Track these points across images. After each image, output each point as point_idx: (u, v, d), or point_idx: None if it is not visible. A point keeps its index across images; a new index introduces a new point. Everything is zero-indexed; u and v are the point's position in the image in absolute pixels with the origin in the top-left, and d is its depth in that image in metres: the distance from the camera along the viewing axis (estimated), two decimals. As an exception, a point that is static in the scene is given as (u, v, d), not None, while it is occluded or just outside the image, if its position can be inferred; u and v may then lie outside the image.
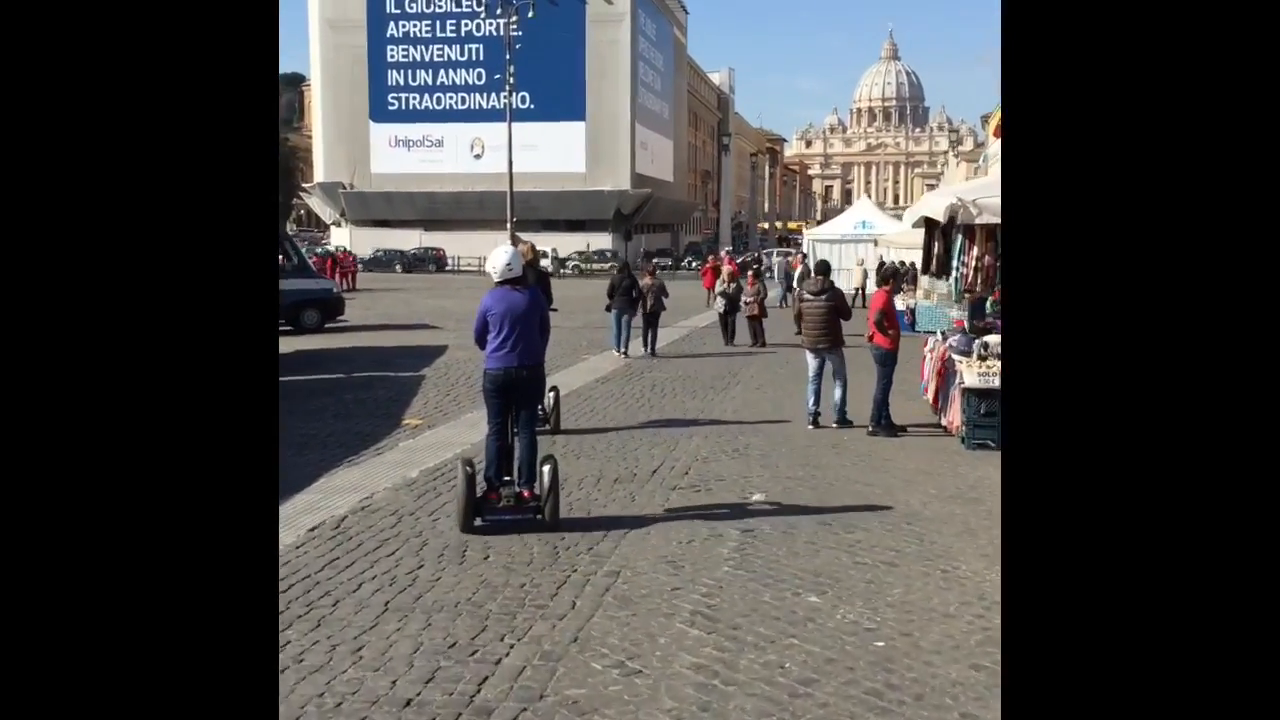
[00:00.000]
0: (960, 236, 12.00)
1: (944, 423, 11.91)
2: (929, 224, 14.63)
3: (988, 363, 10.92)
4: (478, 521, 7.53)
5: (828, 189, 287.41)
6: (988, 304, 13.65)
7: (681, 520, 7.96)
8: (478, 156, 69.15)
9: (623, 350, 19.16)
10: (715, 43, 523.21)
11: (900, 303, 26.73)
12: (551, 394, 11.53)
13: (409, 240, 66.49)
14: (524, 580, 6.54)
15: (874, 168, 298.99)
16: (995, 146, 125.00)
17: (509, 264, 7.67)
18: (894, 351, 11.94)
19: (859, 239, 44.11)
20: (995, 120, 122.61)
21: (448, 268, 62.23)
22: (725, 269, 23.36)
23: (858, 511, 8.25)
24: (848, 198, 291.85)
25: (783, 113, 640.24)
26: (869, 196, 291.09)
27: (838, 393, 12.17)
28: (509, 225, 58.66)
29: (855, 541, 7.41)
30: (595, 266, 59.21)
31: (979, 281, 11.69)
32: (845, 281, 42.42)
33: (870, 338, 11.95)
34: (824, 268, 12.98)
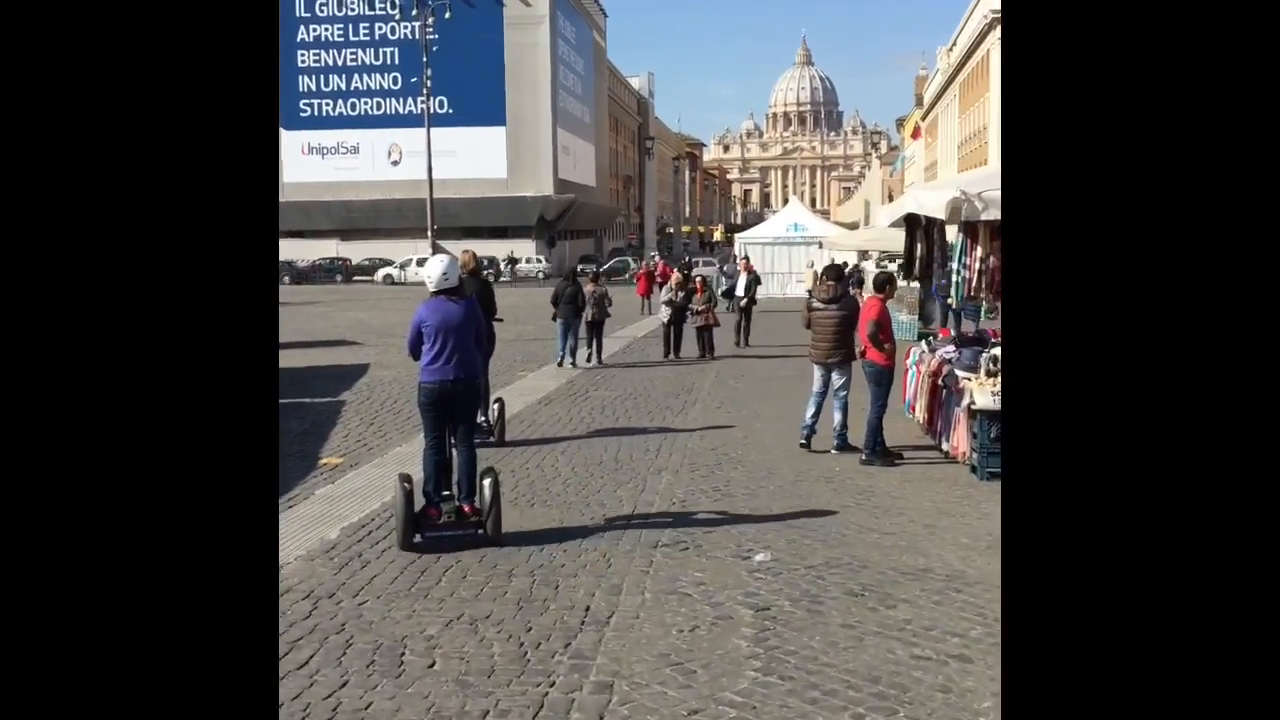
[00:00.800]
0: (962, 235, 10.55)
1: (945, 448, 10.42)
2: (910, 223, 13.19)
3: (999, 380, 9.45)
4: (417, 538, 7.25)
5: (746, 193, 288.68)
6: (982, 310, 12.20)
7: (676, 595, 6.32)
8: (395, 163, 66.98)
9: (569, 361, 18.30)
10: (633, 48, 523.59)
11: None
12: (496, 405, 11.36)
13: (324, 251, 63.96)
14: (486, 707, 4.85)
15: (791, 171, 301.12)
16: (911, 149, 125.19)
17: (445, 273, 7.42)
18: (890, 368, 10.44)
19: (792, 242, 43.04)
20: (911, 123, 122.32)
21: (356, 278, 59.35)
22: (673, 277, 21.46)
23: (889, 575, 6.67)
24: (766, 201, 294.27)
25: (700, 118, 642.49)
26: (787, 200, 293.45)
27: (839, 415, 10.65)
28: (429, 233, 56.67)
29: (903, 622, 5.83)
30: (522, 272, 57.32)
31: (984, 286, 10.26)
32: (785, 286, 41.54)
33: (863, 353, 10.40)
34: (836, 272, 11.43)
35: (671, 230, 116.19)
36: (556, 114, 70.40)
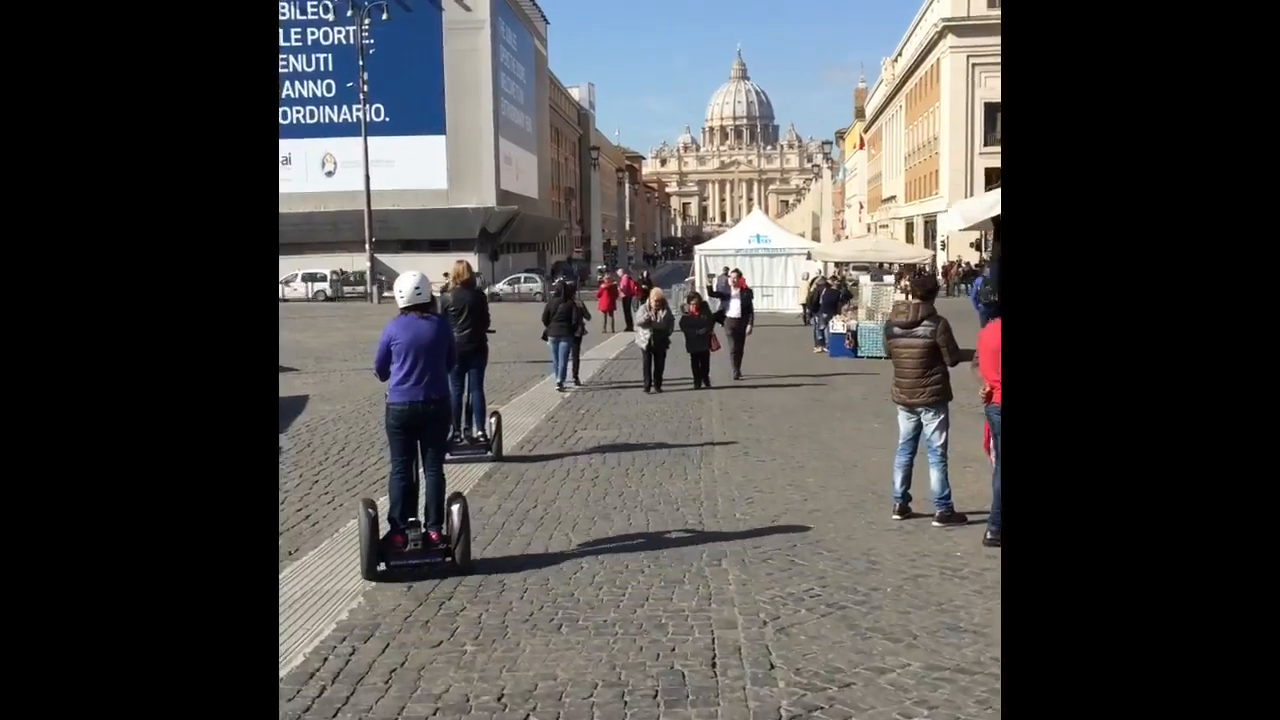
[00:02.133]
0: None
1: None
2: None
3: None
4: (381, 567, 6.90)
5: (685, 206, 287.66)
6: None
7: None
8: (329, 174, 63.69)
9: (565, 381, 16.89)
10: (571, 60, 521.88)
11: (839, 324, 23.20)
12: (493, 419, 11.09)
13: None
14: None
15: (728, 185, 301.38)
16: (854, 159, 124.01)
17: (417, 289, 7.26)
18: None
19: (754, 253, 40.74)
20: (854, 135, 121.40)
21: (289, 296, 55.70)
22: (653, 294, 17.67)
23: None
24: (704, 214, 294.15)
25: (637, 132, 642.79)
26: (724, 214, 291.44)
27: (937, 474, 8.13)
28: (367, 246, 53.72)
29: None
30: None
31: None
32: (770, 301, 39.15)
33: (988, 395, 7.79)
34: (925, 286, 8.94)
35: (616, 245, 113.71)
36: (499, 123, 67.60)
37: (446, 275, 11.46)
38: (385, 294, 52.39)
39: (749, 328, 18.79)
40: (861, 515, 8.43)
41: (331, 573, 7.04)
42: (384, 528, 7.04)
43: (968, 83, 71.53)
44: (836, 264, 32.31)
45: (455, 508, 7.03)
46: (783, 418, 13.96)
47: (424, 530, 7.14)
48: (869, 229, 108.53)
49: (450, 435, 9.88)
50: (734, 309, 18.64)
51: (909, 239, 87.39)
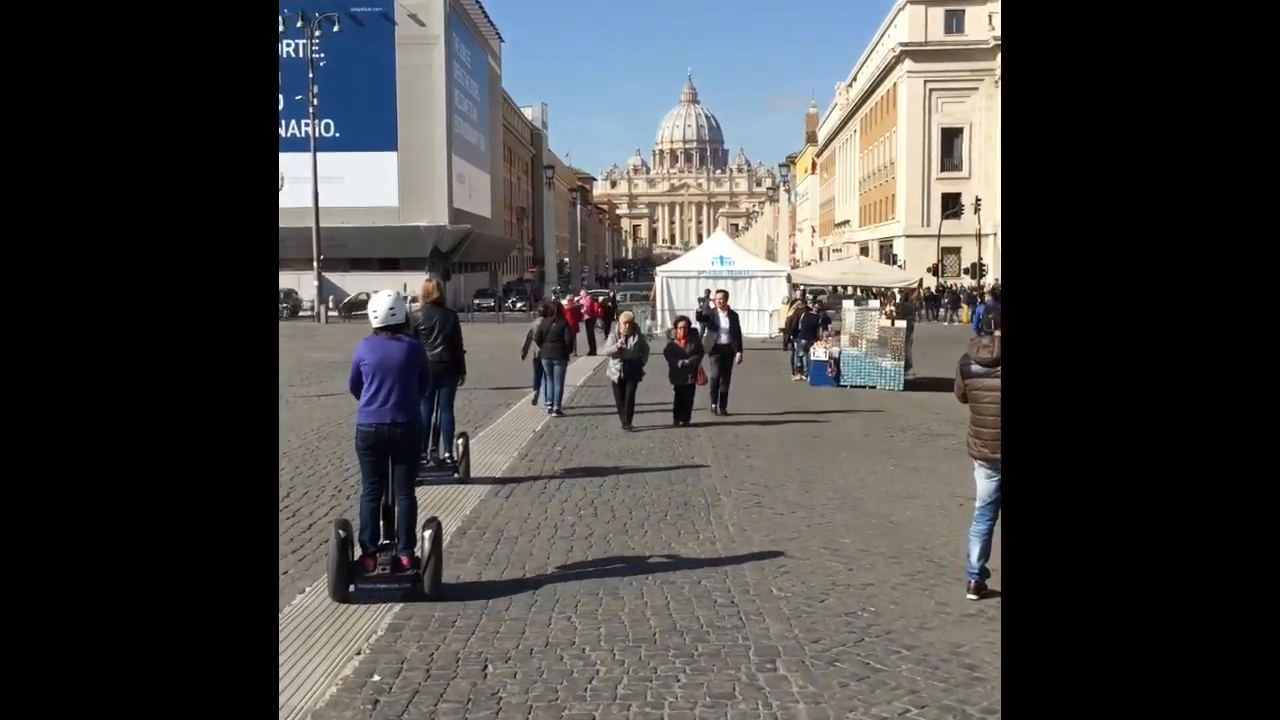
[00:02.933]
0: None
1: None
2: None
3: None
4: (351, 589, 6.76)
5: (635, 228, 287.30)
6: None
7: None
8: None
9: (554, 407, 16.18)
10: (524, 79, 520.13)
11: (822, 351, 21.87)
12: (460, 440, 11.05)
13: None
14: None
15: (678, 208, 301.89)
16: (805, 184, 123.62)
17: (391, 309, 7.13)
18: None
19: (718, 276, 39.44)
20: (806, 159, 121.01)
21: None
22: (622, 318, 15.64)
23: None
24: (654, 236, 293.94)
25: (587, 154, 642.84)
26: (673, 237, 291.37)
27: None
28: (315, 264, 51.80)
29: None
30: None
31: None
32: (749, 324, 37.85)
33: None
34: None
35: (569, 266, 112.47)
36: (452, 140, 66.04)
37: (413, 299, 10.76)
38: (331, 313, 50.81)
39: (739, 356, 16.74)
40: (927, 593, 6.99)
41: (307, 660, 5.50)
42: (357, 551, 6.95)
43: (924, 108, 71.12)
44: (807, 290, 31.10)
45: (428, 532, 6.88)
46: (784, 457, 12.53)
47: (395, 554, 7.01)
48: (820, 254, 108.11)
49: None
50: (723, 335, 16.57)
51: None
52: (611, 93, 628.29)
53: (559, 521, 9.11)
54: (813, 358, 21.51)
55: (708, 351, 16.03)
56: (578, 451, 12.75)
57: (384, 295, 7.22)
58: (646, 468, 11.68)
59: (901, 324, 20.84)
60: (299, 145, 53.64)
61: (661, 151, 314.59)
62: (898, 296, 28.73)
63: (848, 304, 22.24)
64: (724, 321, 16.99)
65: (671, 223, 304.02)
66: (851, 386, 20.83)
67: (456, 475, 10.63)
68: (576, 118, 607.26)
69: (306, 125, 52.59)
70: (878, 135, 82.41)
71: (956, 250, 66.64)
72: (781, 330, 25.31)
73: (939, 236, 64.69)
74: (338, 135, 60.53)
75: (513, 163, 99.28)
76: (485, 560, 7.84)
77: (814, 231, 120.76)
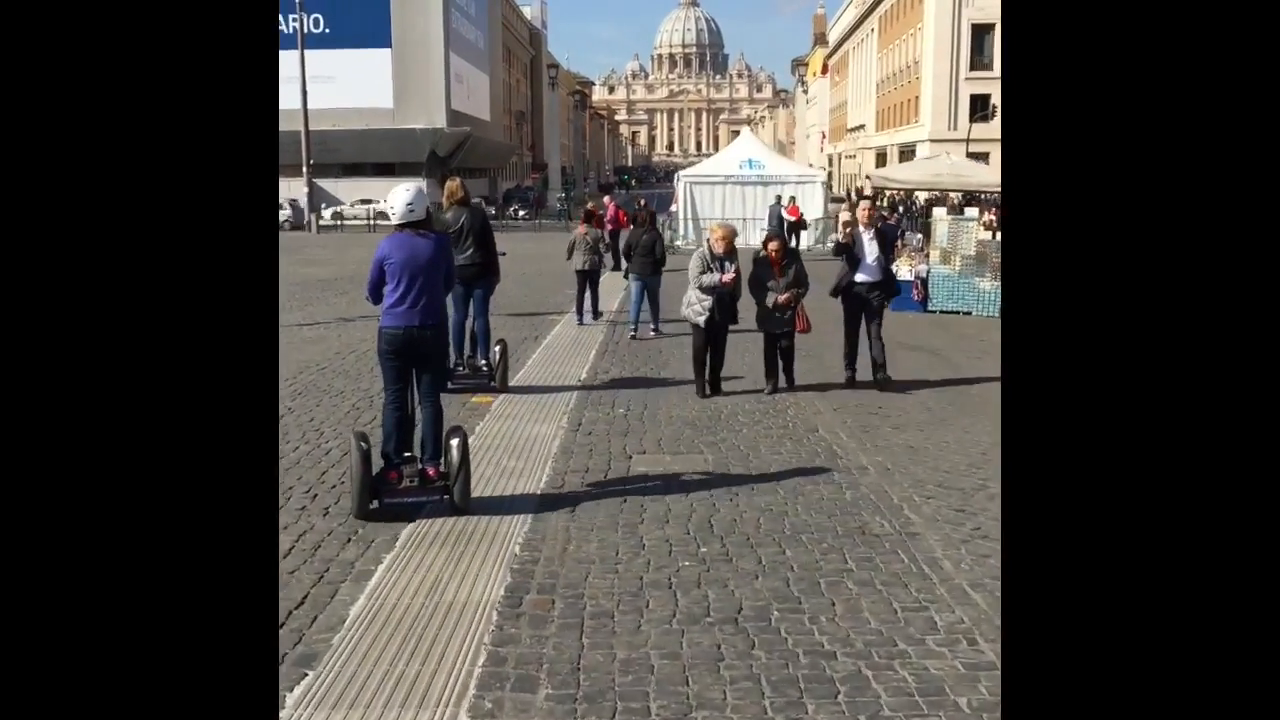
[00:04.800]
0: None
1: None
2: None
3: None
4: (374, 505, 6.47)
5: (634, 135, 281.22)
6: None
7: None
8: (261, 89, 57.58)
9: (652, 330, 14.51)
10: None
11: (906, 269, 18.53)
12: (498, 347, 10.65)
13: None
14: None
15: (677, 114, 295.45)
16: (814, 87, 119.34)
17: (410, 204, 6.64)
18: None
19: (746, 181, 35.98)
20: (818, 61, 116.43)
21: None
22: (715, 234, 10.39)
23: None
24: (653, 144, 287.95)
25: (585, 59, 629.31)
26: (672, 145, 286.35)
27: None
28: (304, 170, 48.01)
29: None
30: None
31: None
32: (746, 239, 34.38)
33: None
34: None
35: (572, 170, 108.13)
36: (449, 37, 61.73)
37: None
38: (323, 223, 47.27)
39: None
40: None
41: None
42: (377, 464, 6.64)
43: (954, 1, 66.71)
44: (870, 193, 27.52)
45: (454, 442, 6.56)
46: (944, 427, 9.30)
47: (420, 466, 6.72)
48: (829, 160, 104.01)
49: (452, 363, 9.93)
50: (868, 269, 10.80)
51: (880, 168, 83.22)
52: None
53: (652, 557, 5.98)
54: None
55: (837, 284, 10.91)
56: (652, 425, 9.37)
57: (402, 189, 6.72)
58: (758, 449, 8.45)
59: (1003, 235, 17.51)
60: (286, 42, 49.39)
61: (660, 56, 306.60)
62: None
63: (939, 212, 18.74)
64: (869, 249, 10.81)
65: (670, 129, 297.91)
66: (941, 312, 17.57)
67: (494, 384, 10.35)
68: (574, 21, 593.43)
69: (294, 20, 48.39)
70: (899, 33, 77.88)
71: (984, 156, 62.62)
72: (841, 241, 21.81)
73: (968, 140, 60.50)
74: (327, 31, 56.49)
75: (512, 64, 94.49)
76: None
77: (824, 137, 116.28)
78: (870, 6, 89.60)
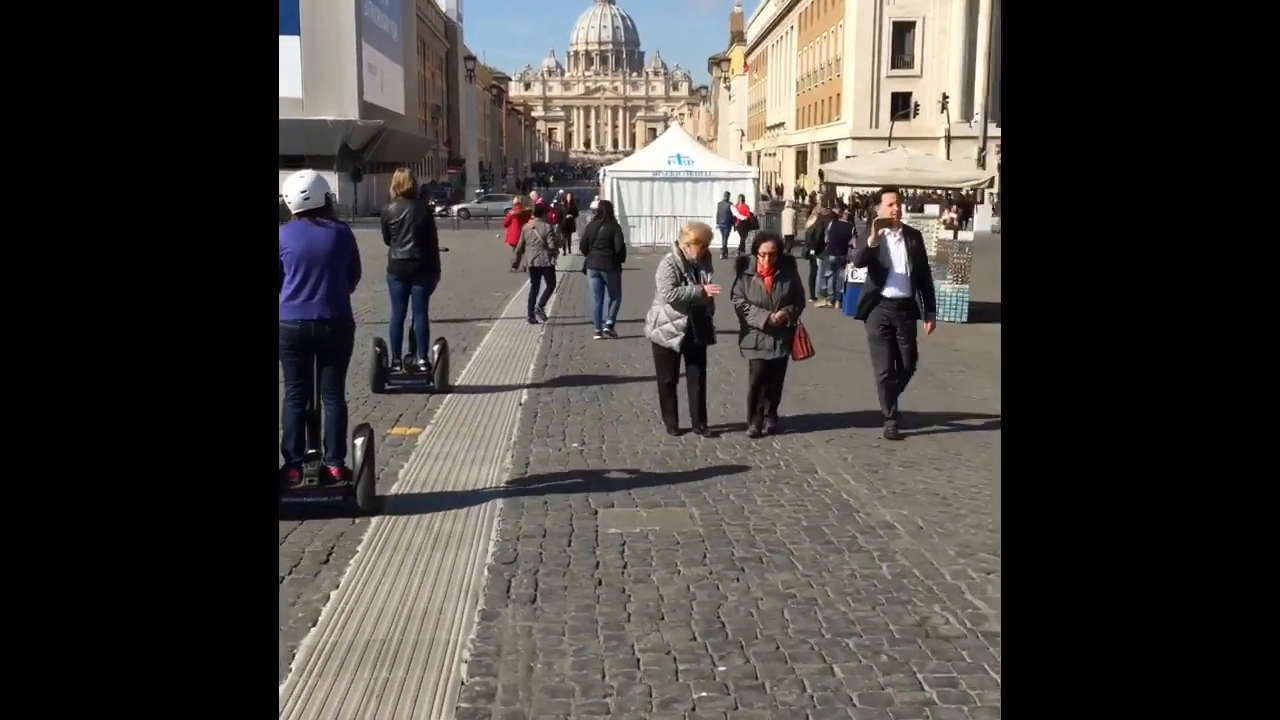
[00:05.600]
0: None
1: None
2: None
3: None
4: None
5: (551, 131, 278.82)
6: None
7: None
8: (160, 76, 54.61)
9: (606, 328, 13.87)
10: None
11: (860, 271, 17.09)
12: (438, 345, 10.14)
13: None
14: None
15: (594, 111, 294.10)
16: (736, 84, 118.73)
17: (304, 192, 6.39)
18: None
19: (675, 177, 34.46)
20: (737, 60, 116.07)
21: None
22: (689, 235, 8.47)
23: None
24: (569, 141, 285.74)
25: (500, 56, 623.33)
26: (589, 142, 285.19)
27: None
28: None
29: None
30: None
31: None
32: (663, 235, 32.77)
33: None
34: None
35: (490, 165, 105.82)
36: (361, 25, 59.23)
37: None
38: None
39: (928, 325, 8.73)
40: None
41: None
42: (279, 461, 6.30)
43: (875, 0, 66.02)
44: (817, 197, 26.11)
45: (359, 441, 6.30)
46: (988, 487, 7.80)
47: (322, 464, 6.43)
48: (749, 158, 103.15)
49: (390, 363, 10.08)
50: (898, 280, 8.48)
51: (801, 168, 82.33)
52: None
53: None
54: (851, 279, 16.72)
55: (862, 300, 8.68)
56: (610, 478, 7.81)
57: (297, 177, 6.43)
58: (754, 511, 6.89)
59: (967, 235, 16.16)
60: (186, 25, 46.83)
61: (576, 53, 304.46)
62: (966, 195, 23.62)
63: (932, 215, 17.31)
64: (900, 257, 8.45)
65: (587, 126, 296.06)
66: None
67: (432, 385, 9.92)
68: (489, 17, 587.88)
69: (195, 2, 45.73)
70: (819, 31, 77.19)
71: (907, 155, 62.16)
72: (797, 242, 20.32)
73: (890, 139, 59.68)
74: (231, 16, 53.62)
75: (427, 56, 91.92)
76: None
77: (742, 135, 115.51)
78: (789, 4, 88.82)
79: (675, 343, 8.23)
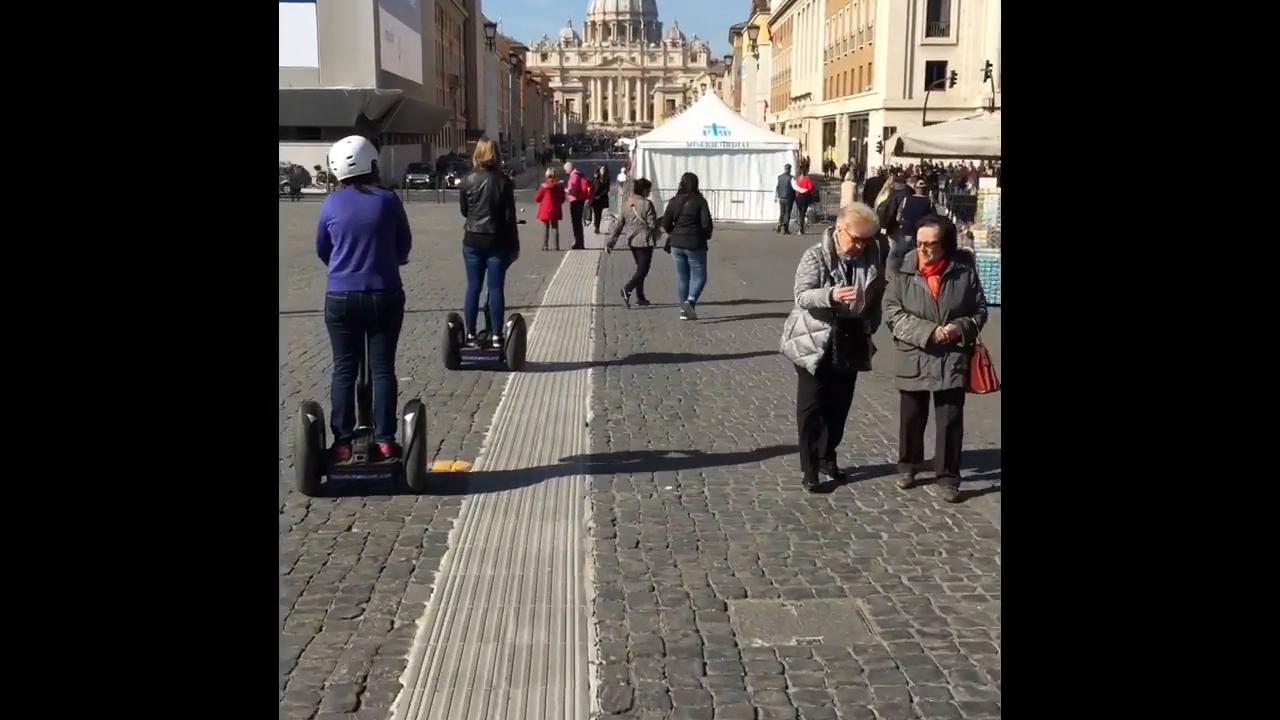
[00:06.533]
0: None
1: None
2: None
3: None
4: (323, 480, 6.10)
5: (568, 103, 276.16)
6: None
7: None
8: (172, 43, 52.91)
9: (686, 306, 13.07)
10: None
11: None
12: (511, 322, 9.86)
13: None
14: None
15: (611, 83, 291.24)
16: (764, 53, 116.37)
17: (350, 158, 6.17)
18: None
19: (712, 150, 32.42)
20: (762, 30, 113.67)
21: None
22: (849, 220, 6.22)
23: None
24: (587, 112, 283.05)
25: (515, 25, 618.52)
26: (606, 114, 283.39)
27: None
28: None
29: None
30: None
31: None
32: (741, 210, 30.93)
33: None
34: None
35: (511, 141, 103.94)
36: (379, -9, 57.33)
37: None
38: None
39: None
40: None
41: None
42: (329, 438, 6.30)
43: (911, -36, 63.60)
44: (904, 167, 24.10)
45: (409, 416, 6.13)
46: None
47: (372, 441, 6.24)
48: (772, 130, 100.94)
49: (464, 339, 9.84)
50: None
51: (829, 140, 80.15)
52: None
53: None
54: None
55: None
56: (727, 546, 6.02)
57: (343, 143, 6.25)
58: (941, 601, 5.11)
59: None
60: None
61: (594, 23, 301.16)
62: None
63: (988, 183, 15.38)
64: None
65: (604, 98, 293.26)
66: (992, 305, 14.28)
67: (505, 361, 9.69)
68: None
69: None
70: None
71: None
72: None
73: (925, 109, 57.40)
74: (245, -20, 51.85)
75: (444, 24, 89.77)
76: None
77: (766, 106, 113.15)
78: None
79: (810, 362, 6.25)
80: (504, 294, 10.12)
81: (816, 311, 6.16)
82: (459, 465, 6.69)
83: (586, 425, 7.70)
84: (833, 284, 6.07)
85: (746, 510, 5.92)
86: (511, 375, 9.37)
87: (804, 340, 6.27)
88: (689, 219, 12.94)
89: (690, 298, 13.05)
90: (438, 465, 6.64)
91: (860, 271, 6.16)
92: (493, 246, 9.83)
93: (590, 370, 9.77)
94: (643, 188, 14.88)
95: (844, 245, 6.15)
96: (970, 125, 16.34)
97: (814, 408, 6.38)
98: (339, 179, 6.23)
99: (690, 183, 13.60)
